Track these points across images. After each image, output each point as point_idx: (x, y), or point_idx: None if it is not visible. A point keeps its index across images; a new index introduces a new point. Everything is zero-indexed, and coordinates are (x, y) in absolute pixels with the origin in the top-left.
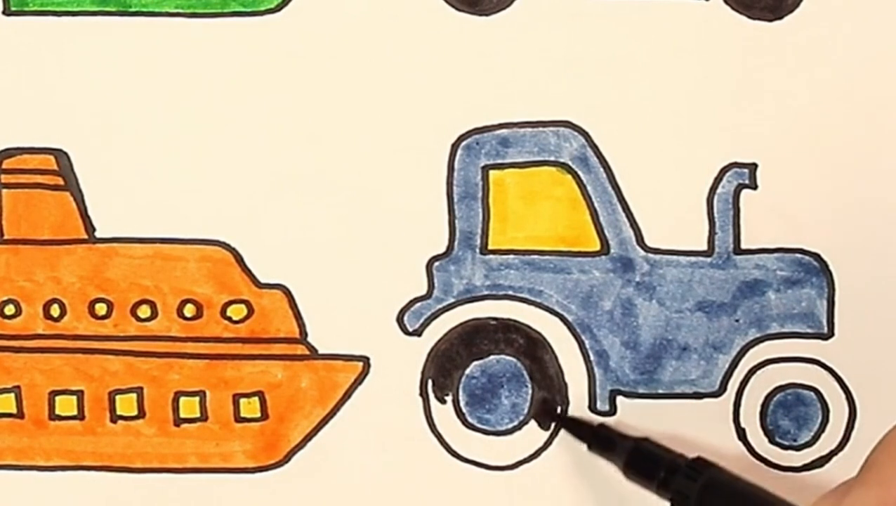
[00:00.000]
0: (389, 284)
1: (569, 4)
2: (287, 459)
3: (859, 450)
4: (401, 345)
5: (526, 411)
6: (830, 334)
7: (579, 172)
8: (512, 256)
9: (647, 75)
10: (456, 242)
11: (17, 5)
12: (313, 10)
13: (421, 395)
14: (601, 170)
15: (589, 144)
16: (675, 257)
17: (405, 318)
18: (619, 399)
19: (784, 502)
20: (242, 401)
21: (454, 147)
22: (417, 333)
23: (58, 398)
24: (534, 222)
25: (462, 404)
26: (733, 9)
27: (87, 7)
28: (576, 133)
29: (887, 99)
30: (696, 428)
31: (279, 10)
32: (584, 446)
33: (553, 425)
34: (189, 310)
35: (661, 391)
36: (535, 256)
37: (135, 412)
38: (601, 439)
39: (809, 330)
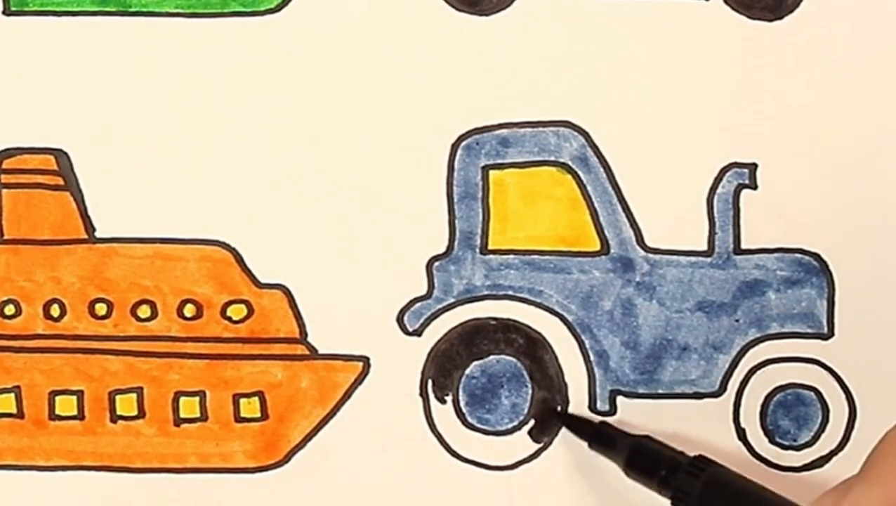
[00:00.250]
0: (389, 284)
1: (569, 4)
2: (287, 459)
3: (859, 450)
4: (401, 345)
5: (526, 410)
6: (830, 334)
7: (579, 172)
8: (512, 256)
9: (647, 75)
10: (456, 242)
11: (17, 5)
12: (313, 10)
13: (421, 395)
14: (601, 170)
15: (589, 144)
16: (675, 257)
17: (405, 318)
18: (619, 399)
19: (785, 500)
20: (242, 401)
21: (454, 147)
22: (417, 333)
23: (58, 398)
24: (534, 222)
25: (462, 404)
26: (733, 9)
27: (87, 7)
28: (576, 133)
29: (887, 99)
30: (696, 428)
31: (279, 10)
32: (584, 445)
33: (549, 431)
34: (189, 310)
35: (661, 391)
36: (535, 256)
37: (135, 412)
38: (602, 437)
39: (809, 330)
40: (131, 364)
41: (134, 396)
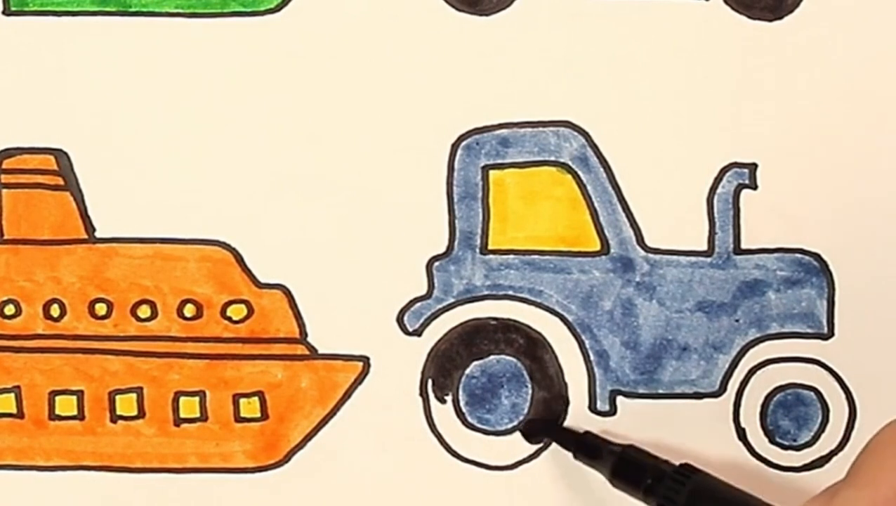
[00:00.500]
0: (389, 284)
1: (569, 4)
2: (287, 459)
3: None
4: (401, 345)
5: (526, 411)
6: (830, 334)
7: (579, 172)
8: (512, 256)
9: (647, 75)
10: (456, 242)
11: (17, 5)
12: (313, 10)
13: (421, 395)
14: (601, 170)
15: (589, 144)
16: (675, 257)
17: (405, 318)
18: (620, 399)
19: (768, 505)
20: (242, 401)
21: (454, 147)
22: (417, 333)
23: (58, 398)
24: (534, 222)
25: (462, 404)
26: (733, 9)
27: (87, 7)
28: (576, 133)
29: (887, 99)
30: (696, 428)
31: (279, 10)
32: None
33: (535, 441)
34: (189, 310)
35: (661, 391)
36: (535, 256)
37: (135, 412)
38: (587, 447)
39: (809, 330)
40: (131, 364)
41: (134, 396)
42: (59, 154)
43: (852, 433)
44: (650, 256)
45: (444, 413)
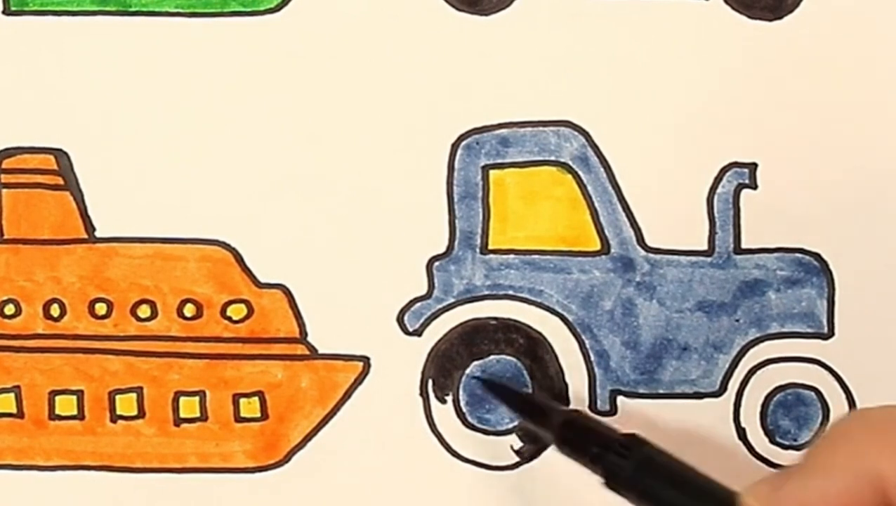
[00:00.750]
0: (389, 284)
1: (569, 4)
2: (287, 459)
3: None
4: (401, 345)
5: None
6: (830, 334)
7: (579, 172)
8: (512, 256)
9: (647, 75)
10: (456, 242)
11: (17, 5)
12: (313, 10)
13: (421, 395)
14: (601, 170)
15: (589, 143)
16: (675, 257)
17: (405, 318)
18: (620, 399)
19: (718, 483)
20: (242, 401)
21: (454, 147)
22: (417, 333)
23: (58, 398)
24: (534, 222)
25: (462, 403)
26: (733, 9)
27: (87, 7)
28: (576, 133)
29: (887, 99)
30: (697, 428)
31: (279, 9)
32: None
33: (492, 396)
34: (189, 310)
35: (661, 391)
36: (536, 256)
37: (135, 412)
38: (532, 410)
39: (809, 330)
40: (131, 364)
41: (134, 396)
42: (59, 154)
43: None
44: (650, 255)
45: (444, 413)
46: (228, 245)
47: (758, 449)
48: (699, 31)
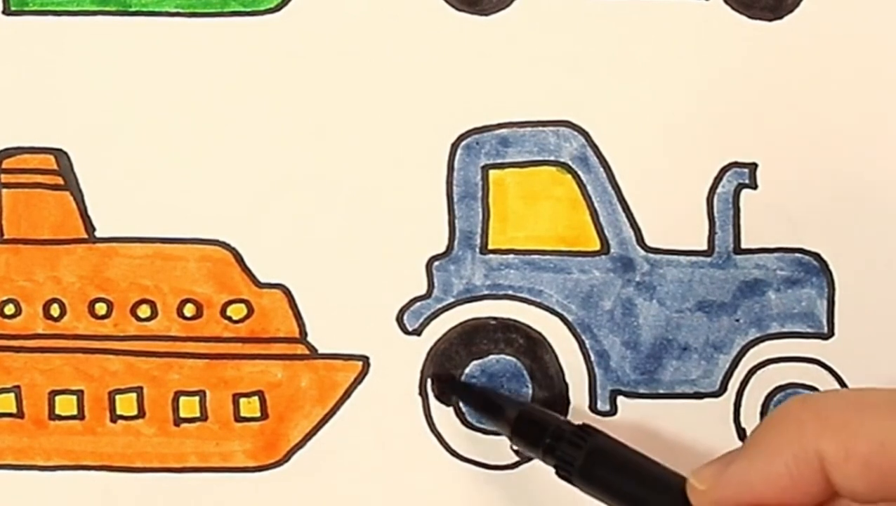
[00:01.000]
0: (389, 284)
1: (569, 4)
2: (287, 458)
3: None
4: (400, 344)
5: None
6: (830, 334)
7: (579, 172)
8: (512, 256)
9: (647, 75)
10: (456, 242)
11: (17, 5)
12: (313, 10)
13: (421, 394)
14: (601, 170)
15: (589, 143)
16: (675, 257)
17: (405, 317)
18: (620, 399)
19: (667, 470)
20: (242, 401)
21: (454, 147)
22: (417, 332)
23: (58, 398)
24: (534, 222)
25: (462, 403)
26: (733, 9)
27: (87, 7)
28: (576, 133)
29: (887, 99)
30: (697, 428)
31: (279, 9)
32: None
33: (447, 393)
34: (189, 310)
35: (661, 391)
36: (535, 256)
37: (135, 412)
38: (488, 405)
39: (809, 330)
40: (131, 364)
41: (134, 395)
42: (59, 154)
43: None
44: (650, 255)
45: (443, 413)
46: (228, 245)
47: None
48: (699, 31)
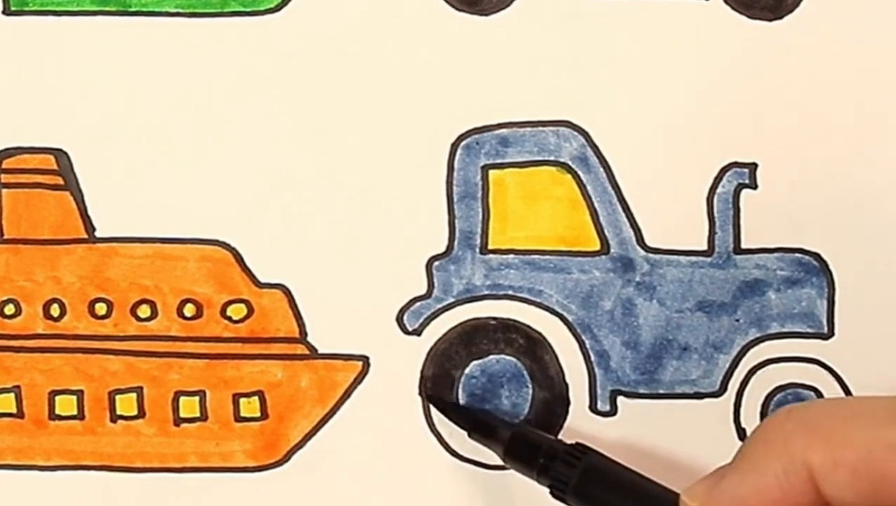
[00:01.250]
0: (389, 284)
1: (569, 4)
2: (287, 458)
3: None
4: (400, 344)
5: (526, 411)
6: (830, 334)
7: (579, 172)
8: (512, 256)
9: (647, 75)
10: (456, 242)
11: (17, 5)
12: (313, 10)
13: (421, 394)
14: (601, 170)
15: (589, 143)
16: (675, 257)
17: (405, 317)
18: (620, 399)
19: (661, 487)
20: (242, 401)
21: (454, 147)
22: (417, 332)
23: (58, 398)
24: (534, 222)
25: (462, 403)
26: (733, 9)
27: (87, 7)
28: (576, 133)
29: (887, 99)
30: (697, 428)
31: (279, 9)
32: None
33: (442, 413)
34: (189, 310)
35: (661, 391)
36: (535, 256)
37: (135, 412)
38: (481, 426)
39: (809, 330)
40: (131, 364)
41: (134, 395)
42: (59, 154)
43: None
44: (650, 255)
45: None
46: (228, 245)
47: None
48: (699, 31)
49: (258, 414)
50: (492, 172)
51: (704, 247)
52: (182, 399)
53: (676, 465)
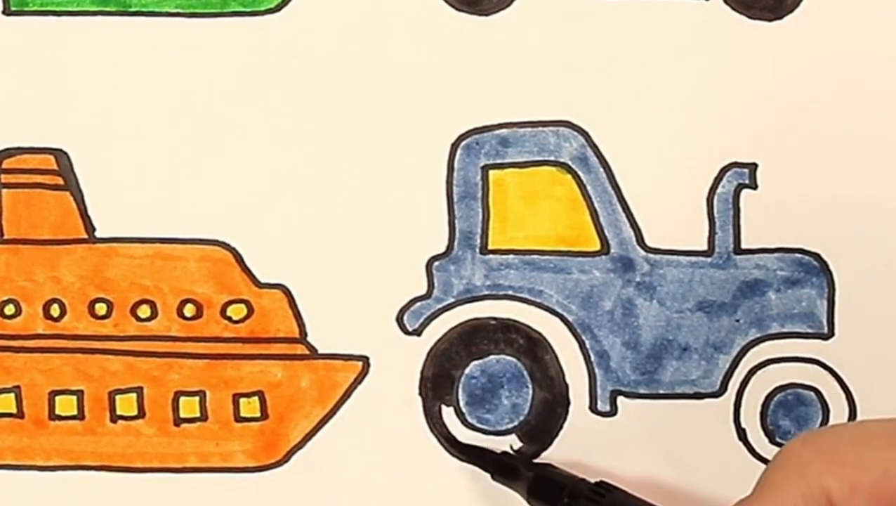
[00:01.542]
0: (389, 284)
1: (569, 4)
2: (287, 458)
3: None
4: (400, 345)
5: (527, 411)
6: (830, 334)
7: (579, 172)
8: (512, 256)
9: (647, 75)
10: (456, 242)
11: (17, 5)
12: (313, 10)
13: (421, 394)
14: (601, 170)
15: (589, 144)
16: (675, 257)
17: (405, 317)
18: (620, 399)
19: None
20: (242, 401)
21: (454, 147)
22: (417, 332)
23: (58, 398)
24: (534, 222)
25: (462, 404)
26: (733, 9)
27: (87, 7)
28: (576, 133)
29: (887, 99)
30: (697, 428)
31: (279, 10)
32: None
33: (465, 456)
34: (189, 310)
35: (661, 391)
36: (535, 256)
37: (135, 412)
38: (504, 468)
39: (809, 330)
40: (131, 364)
41: (134, 396)
42: (59, 154)
43: None
44: (650, 256)
45: (444, 413)
46: (228, 245)
47: (758, 449)
48: (699, 31)
49: (258, 414)
50: (492, 172)
51: (704, 247)
52: (182, 399)
53: (676, 465)
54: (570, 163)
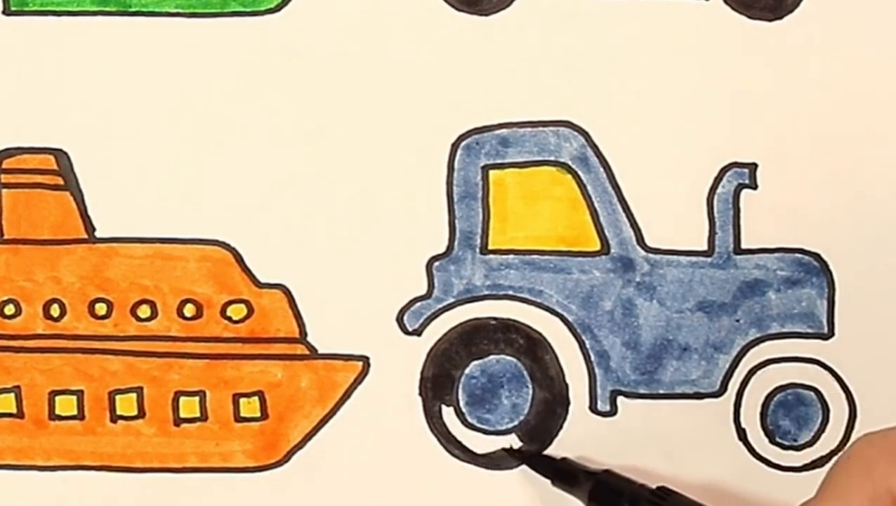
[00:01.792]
0: (389, 284)
1: (569, 4)
2: (287, 458)
3: None
4: (400, 345)
5: (527, 411)
6: (830, 334)
7: (579, 172)
8: (512, 256)
9: (647, 75)
10: (456, 242)
11: (17, 5)
12: (313, 10)
13: (421, 394)
14: (601, 170)
15: (589, 143)
16: (675, 257)
17: (405, 317)
18: (620, 399)
19: None
20: (242, 401)
21: (454, 147)
22: (417, 332)
23: (58, 398)
24: (534, 222)
25: (462, 404)
26: (733, 9)
27: (87, 7)
28: (576, 133)
29: (887, 99)
30: (697, 428)
31: (279, 10)
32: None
33: (511, 466)
34: (189, 310)
35: (661, 391)
36: (535, 256)
37: (135, 412)
38: (564, 474)
39: (809, 330)
40: (131, 364)
41: (134, 396)
42: (59, 154)
43: (852, 433)
44: (650, 256)
45: (444, 413)
46: (228, 245)
47: (758, 449)
48: (699, 31)
49: (258, 414)
50: (492, 172)
51: (704, 247)
52: (182, 399)
53: (676, 465)
54: (570, 163)
